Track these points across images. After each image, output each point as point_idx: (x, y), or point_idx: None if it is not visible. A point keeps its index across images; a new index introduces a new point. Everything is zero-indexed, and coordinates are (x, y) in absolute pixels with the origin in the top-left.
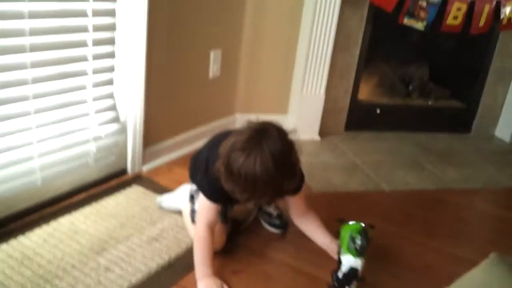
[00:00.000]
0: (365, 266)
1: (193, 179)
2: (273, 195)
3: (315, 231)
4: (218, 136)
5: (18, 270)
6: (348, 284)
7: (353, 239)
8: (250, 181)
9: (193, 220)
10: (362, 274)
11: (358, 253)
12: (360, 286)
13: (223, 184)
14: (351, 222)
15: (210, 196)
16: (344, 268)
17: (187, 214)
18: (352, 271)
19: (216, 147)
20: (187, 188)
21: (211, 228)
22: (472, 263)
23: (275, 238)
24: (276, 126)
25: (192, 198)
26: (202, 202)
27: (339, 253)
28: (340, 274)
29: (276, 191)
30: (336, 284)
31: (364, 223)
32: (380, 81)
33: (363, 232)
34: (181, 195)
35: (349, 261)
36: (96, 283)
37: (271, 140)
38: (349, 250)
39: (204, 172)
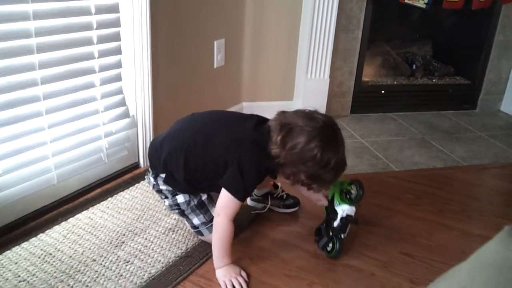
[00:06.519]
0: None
1: (203, 189)
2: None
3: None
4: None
5: (41, 267)
6: (344, 231)
7: (345, 191)
8: (322, 168)
9: (201, 234)
10: (355, 216)
11: (352, 202)
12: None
13: (282, 168)
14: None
15: (243, 197)
16: (341, 216)
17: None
18: (349, 217)
19: (232, 147)
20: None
21: (233, 220)
22: (484, 239)
23: (287, 223)
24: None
25: (183, 214)
26: (230, 202)
27: (331, 207)
28: (335, 224)
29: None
30: (331, 233)
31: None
32: (384, 61)
33: (358, 184)
34: None
35: (345, 209)
36: (117, 275)
37: (340, 133)
38: (343, 200)
39: (240, 175)
